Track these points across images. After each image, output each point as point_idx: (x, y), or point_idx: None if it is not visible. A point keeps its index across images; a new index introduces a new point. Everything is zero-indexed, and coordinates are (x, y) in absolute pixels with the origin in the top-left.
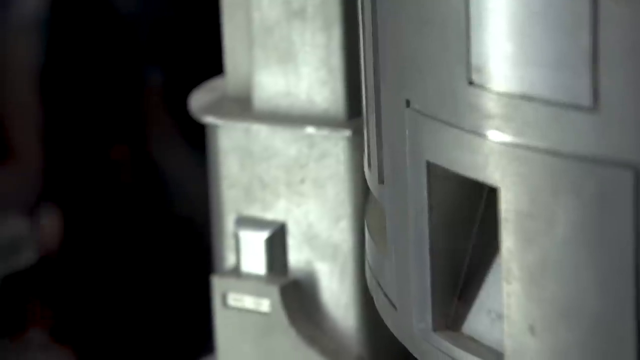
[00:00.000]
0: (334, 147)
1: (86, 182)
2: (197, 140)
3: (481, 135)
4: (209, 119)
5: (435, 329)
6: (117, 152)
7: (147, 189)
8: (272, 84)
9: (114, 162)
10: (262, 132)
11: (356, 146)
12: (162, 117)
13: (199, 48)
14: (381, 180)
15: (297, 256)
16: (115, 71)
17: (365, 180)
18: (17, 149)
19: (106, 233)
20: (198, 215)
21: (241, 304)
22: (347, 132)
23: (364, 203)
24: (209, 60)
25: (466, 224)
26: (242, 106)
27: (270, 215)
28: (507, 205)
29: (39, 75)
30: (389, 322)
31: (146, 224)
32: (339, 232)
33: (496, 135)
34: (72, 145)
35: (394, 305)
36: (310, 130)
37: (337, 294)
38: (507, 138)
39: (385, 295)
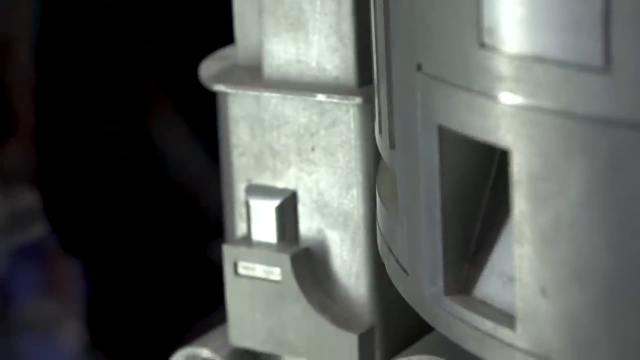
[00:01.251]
0: (345, 115)
1: (82, 157)
2: (193, 114)
3: (493, 97)
4: (219, 87)
5: (446, 293)
6: (111, 128)
7: (143, 163)
8: (282, 51)
9: (108, 138)
10: (272, 100)
11: (367, 114)
12: (157, 91)
13: (199, 20)
14: (392, 146)
15: (308, 224)
16: (110, 46)
17: (376, 147)
18: (22, 123)
19: (106, 208)
20: (196, 187)
21: (252, 272)
22: (358, 100)
23: (375, 171)
24: (207, 32)
25: (478, 187)
26: (253, 74)
27: (280, 184)
28: (519, 168)
29: (35, 48)
30: (400, 288)
31: (143, 198)
32: (350, 200)
33: (508, 98)
34: (67, 121)
35: (405, 271)
36: (320, 97)
37: (348, 262)
38: (519, 100)
39: (397, 260)
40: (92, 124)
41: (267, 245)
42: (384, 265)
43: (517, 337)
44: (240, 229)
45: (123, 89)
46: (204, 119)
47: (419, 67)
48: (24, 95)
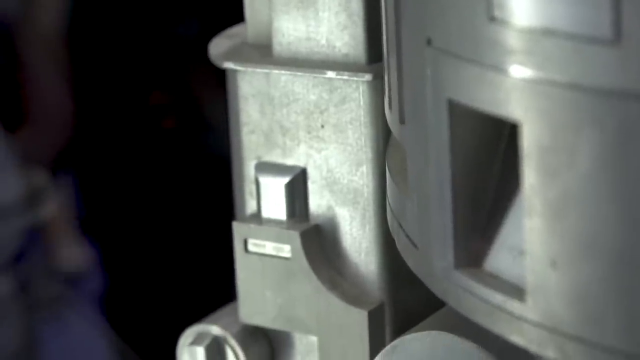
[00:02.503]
0: (354, 92)
1: (126, 128)
2: None
3: (503, 71)
4: (229, 65)
5: (456, 267)
6: (157, 98)
7: (189, 133)
8: (292, 29)
9: (155, 108)
10: (282, 77)
11: (377, 90)
12: (198, 66)
13: None
14: (402, 121)
15: (317, 201)
16: (152, 23)
17: (385, 124)
18: (40, 106)
19: (147, 177)
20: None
21: (262, 249)
22: (368, 77)
23: (385, 148)
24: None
25: (488, 161)
26: (262, 52)
27: (290, 161)
28: (529, 141)
29: (69, 28)
30: (410, 262)
31: (186, 167)
32: (360, 176)
33: (518, 71)
34: (109, 93)
35: (415, 245)
36: (330, 74)
37: (358, 239)
38: (528, 73)
39: (407, 235)
40: (138, 96)
41: (277, 223)
42: (393, 241)
43: (527, 309)
44: (250, 206)
45: (169, 64)
46: None
47: (429, 42)
48: (51, 80)
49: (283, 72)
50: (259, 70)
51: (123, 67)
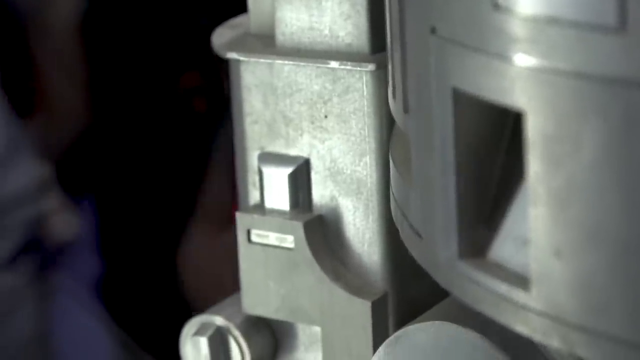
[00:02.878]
0: (358, 82)
1: (156, 113)
2: None
3: (507, 59)
4: (232, 55)
5: (461, 257)
6: (188, 80)
7: (219, 117)
8: (295, 19)
9: (186, 91)
10: (285, 67)
11: (380, 80)
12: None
13: None
14: (406, 110)
15: (321, 192)
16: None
17: (389, 114)
18: (52, 97)
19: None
20: None
21: (265, 240)
22: (371, 66)
23: (388, 137)
24: None
25: (492, 150)
26: (265, 42)
27: (293, 151)
28: (534, 130)
29: (88, 17)
30: (414, 252)
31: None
32: (363, 167)
33: (522, 59)
34: (133, 79)
35: (419, 235)
36: (333, 64)
37: (361, 230)
38: (533, 62)
39: (411, 225)
40: (169, 79)
41: (280, 213)
42: (397, 232)
43: (532, 299)
44: (254, 196)
45: (198, 48)
46: None
47: (433, 30)
48: (65, 72)
49: (286, 62)
50: (262, 60)
51: (149, 53)
